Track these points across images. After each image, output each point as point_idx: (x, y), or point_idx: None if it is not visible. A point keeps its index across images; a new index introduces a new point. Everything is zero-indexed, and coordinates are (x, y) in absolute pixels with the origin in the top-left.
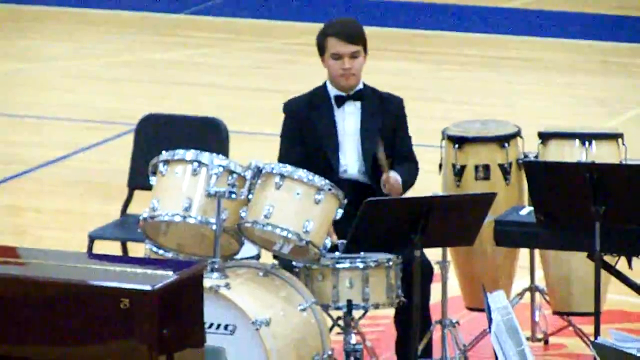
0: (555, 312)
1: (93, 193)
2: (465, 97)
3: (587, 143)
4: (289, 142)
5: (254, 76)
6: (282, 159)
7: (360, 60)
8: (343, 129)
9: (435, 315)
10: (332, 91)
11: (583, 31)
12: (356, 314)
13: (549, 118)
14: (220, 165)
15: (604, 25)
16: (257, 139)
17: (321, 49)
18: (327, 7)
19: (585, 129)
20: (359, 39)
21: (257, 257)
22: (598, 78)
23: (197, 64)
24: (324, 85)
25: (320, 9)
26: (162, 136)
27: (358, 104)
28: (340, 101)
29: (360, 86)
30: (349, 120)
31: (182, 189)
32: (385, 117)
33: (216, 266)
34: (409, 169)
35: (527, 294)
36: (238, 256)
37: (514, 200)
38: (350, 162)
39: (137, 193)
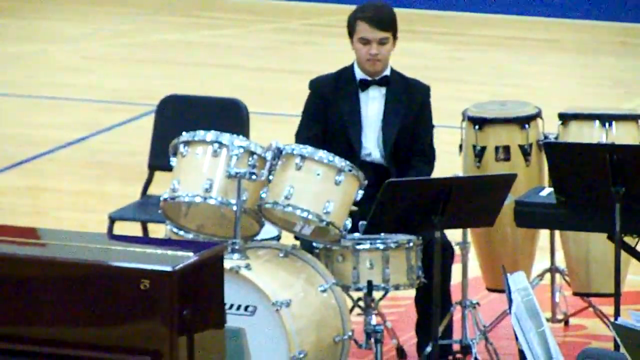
0: (575, 293)
1: (111, 174)
2: (483, 78)
3: (607, 124)
4: (310, 119)
5: (272, 57)
6: (300, 134)
7: (388, 47)
8: (366, 113)
9: (455, 296)
10: (359, 74)
11: (602, 12)
12: (376, 295)
13: (567, 99)
14: (240, 147)
15: (623, 6)
16: (275, 119)
17: (351, 30)
18: None
19: (605, 110)
20: (389, 26)
21: (278, 238)
22: (617, 59)
23: (214, 45)
24: (352, 67)
25: None
26: (182, 117)
27: (383, 89)
28: (365, 85)
29: (387, 72)
30: (372, 105)
31: (203, 170)
32: (409, 105)
33: (237, 247)
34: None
35: (547, 275)
36: (258, 237)
37: (534, 181)
38: (371, 146)
39: (158, 174)
